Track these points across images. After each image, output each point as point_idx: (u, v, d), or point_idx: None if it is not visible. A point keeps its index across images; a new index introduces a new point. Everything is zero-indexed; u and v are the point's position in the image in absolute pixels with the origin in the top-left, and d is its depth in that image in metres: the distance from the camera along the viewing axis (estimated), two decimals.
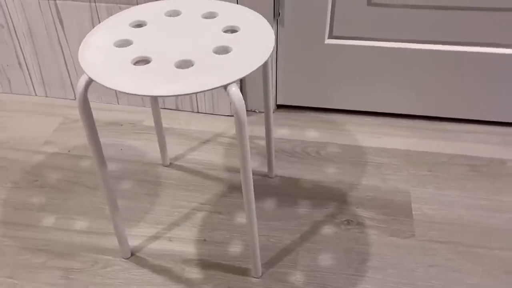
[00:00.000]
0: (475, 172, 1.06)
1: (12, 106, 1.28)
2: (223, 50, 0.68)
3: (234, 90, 0.63)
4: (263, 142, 1.15)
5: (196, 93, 0.60)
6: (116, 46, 0.69)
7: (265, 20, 0.74)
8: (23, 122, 1.23)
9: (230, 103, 1.20)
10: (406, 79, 1.13)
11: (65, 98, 1.30)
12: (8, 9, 1.16)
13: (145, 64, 0.65)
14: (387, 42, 1.09)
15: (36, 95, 1.31)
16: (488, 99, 1.13)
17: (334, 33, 1.09)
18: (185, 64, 0.65)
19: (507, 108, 1.14)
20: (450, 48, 1.07)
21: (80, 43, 1.19)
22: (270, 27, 0.73)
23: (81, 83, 0.65)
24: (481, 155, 1.10)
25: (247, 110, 1.24)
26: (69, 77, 1.26)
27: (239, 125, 0.64)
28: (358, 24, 1.07)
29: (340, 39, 1.10)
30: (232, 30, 0.72)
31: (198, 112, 1.24)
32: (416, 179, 1.04)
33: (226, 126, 1.20)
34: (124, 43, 0.70)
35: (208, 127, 1.20)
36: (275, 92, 1.22)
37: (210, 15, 0.76)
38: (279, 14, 1.07)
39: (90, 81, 0.65)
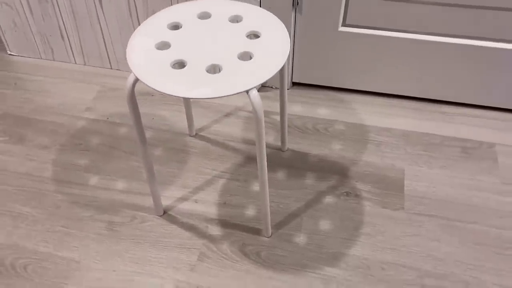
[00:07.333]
0: (464, 153, 1.19)
1: (55, 72, 1.44)
2: (246, 56, 0.81)
3: (255, 94, 0.76)
4: (278, 117, 1.29)
5: (222, 97, 0.74)
6: (157, 49, 0.83)
7: (283, 26, 0.86)
8: (65, 89, 1.39)
9: None
10: (410, 65, 1.24)
11: (102, 67, 1.44)
12: None
13: (180, 68, 0.79)
14: (394, 32, 1.19)
15: (75, 63, 1.46)
16: (484, 85, 1.24)
17: (347, 22, 1.20)
18: (214, 69, 0.79)
19: (501, 94, 1.25)
20: (453, 41, 1.17)
21: (116, 20, 1.32)
22: (287, 32, 0.85)
23: (129, 81, 0.79)
24: (473, 138, 1.22)
25: (265, 86, 1.37)
26: (106, 49, 1.40)
27: (258, 122, 0.79)
28: (370, 15, 1.17)
29: (353, 27, 1.21)
30: (255, 35, 0.85)
31: None
32: (412, 158, 1.18)
33: (246, 101, 1.34)
34: (164, 46, 0.83)
35: (230, 101, 1.34)
36: (291, 70, 1.34)
37: (235, 19, 0.88)
38: (298, 3, 1.18)
39: (136, 80, 0.79)
